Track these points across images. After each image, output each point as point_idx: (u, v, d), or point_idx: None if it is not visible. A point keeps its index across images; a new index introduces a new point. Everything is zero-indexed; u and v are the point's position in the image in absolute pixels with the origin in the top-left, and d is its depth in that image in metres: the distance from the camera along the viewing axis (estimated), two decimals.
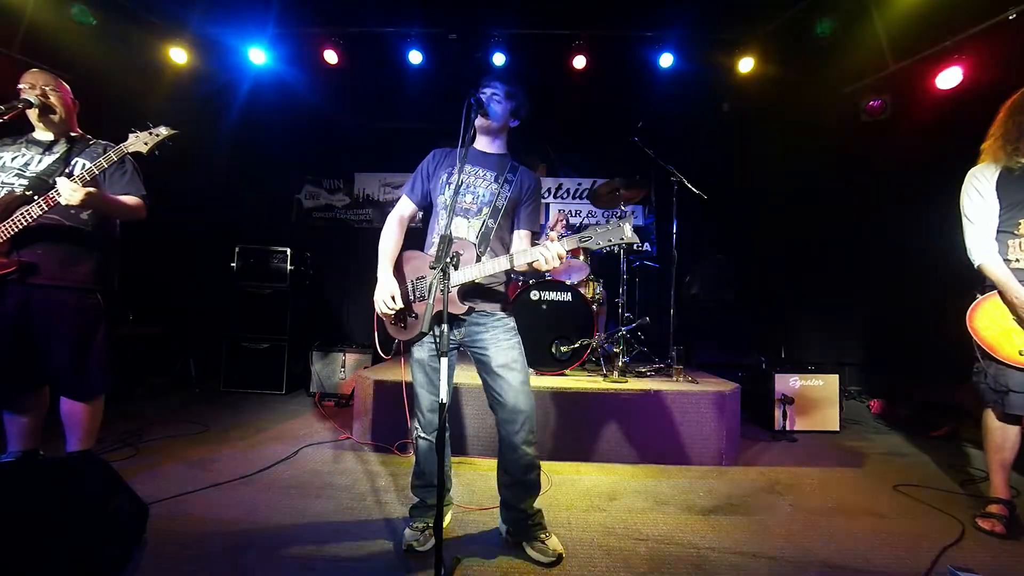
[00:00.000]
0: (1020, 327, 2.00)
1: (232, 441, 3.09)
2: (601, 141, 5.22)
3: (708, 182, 3.71)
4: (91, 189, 1.94)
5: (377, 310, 1.87)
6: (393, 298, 1.81)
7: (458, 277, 1.71)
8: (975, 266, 2.12)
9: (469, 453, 2.91)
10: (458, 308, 1.77)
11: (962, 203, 2.17)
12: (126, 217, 2.18)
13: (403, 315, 1.88)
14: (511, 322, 1.91)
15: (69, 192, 1.89)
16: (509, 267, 1.70)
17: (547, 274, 3.80)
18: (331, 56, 4.53)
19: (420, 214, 2.05)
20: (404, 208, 2.01)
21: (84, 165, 2.06)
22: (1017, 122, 2.09)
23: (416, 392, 1.91)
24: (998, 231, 2.10)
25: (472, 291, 1.83)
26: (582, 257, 3.81)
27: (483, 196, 1.87)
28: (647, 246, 5.21)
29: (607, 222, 1.60)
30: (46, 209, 1.94)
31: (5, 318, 1.97)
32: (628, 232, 1.55)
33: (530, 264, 1.67)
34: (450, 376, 1.96)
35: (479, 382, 2.84)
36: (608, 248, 1.65)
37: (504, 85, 1.91)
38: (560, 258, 1.62)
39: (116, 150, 2.01)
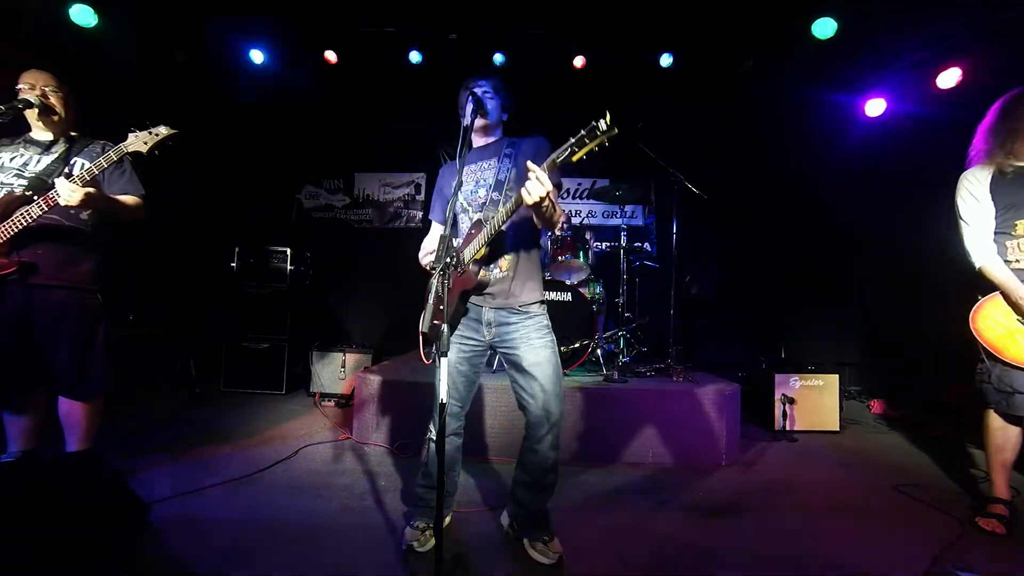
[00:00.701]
0: None
1: (232, 441, 3.08)
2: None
3: (708, 182, 3.71)
4: (90, 189, 1.94)
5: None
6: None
7: (467, 253, 1.72)
8: (976, 268, 2.12)
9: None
10: (470, 282, 1.74)
11: (957, 206, 2.17)
12: (126, 217, 2.18)
13: (441, 316, 1.87)
14: (544, 320, 1.85)
15: (68, 193, 1.88)
16: (504, 219, 1.63)
17: (547, 274, 3.81)
18: (331, 56, 4.53)
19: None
20: (434, 232, 2.03)
21: (83, 165, 2.06)
22: (1008, 125, 2.10)
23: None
24: (995, 233, 2.11)
25: (488, 258, 1.78)
26: (581, 258, 3.82)
27: (492, 183, 1.84)
28: (647, 246, 5.21)
29: (583, 129, 1.41)
30: (46, 209, 1.93)
31: (5, 318, 1.96)
32: (603, 125, 1.36)
33: (521, 204, 1.55)
34: (472, 380, 1.92)
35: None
36: (590, 152, 1.44)
37: (490, 80, 1.92)
38: (540, 183, 1.46)
39: (116, 150, 2.01)
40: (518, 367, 1.79)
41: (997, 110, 2.15)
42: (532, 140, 1.89)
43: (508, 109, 1.98)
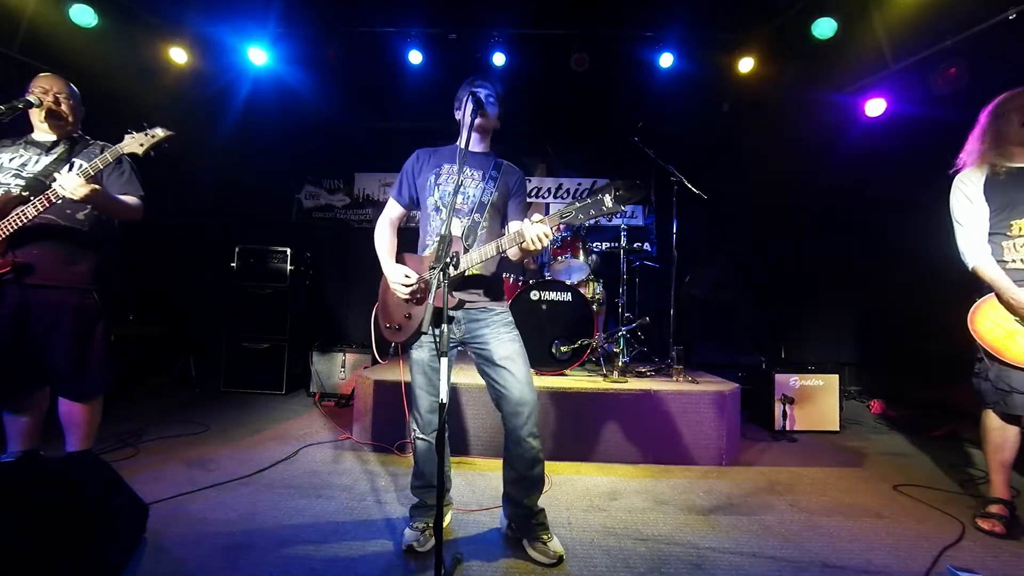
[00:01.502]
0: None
1: (232, 441, 3.09)
2: (601, 141, 5.23)
3: (708, 182, 3.71)
4: (96, 186, 1.94)
5: (396, 292, 1.87)
6: (407, 276, 1.82)
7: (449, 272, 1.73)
8: (969, 269, 2.14)
9: (468, 453, 2.91)
10: (449, 301, 1.76)
11: (951, 208, 2.19)
12: (124, 217, 2.18)
13: (398, 316, 1.89)
14: (509, 316, 1.93)
15: (74, 186, 1.88)
16: (495, 253, 1.72)
17: (547, 274, 3.82)
18: (331, 56, 4.53)
19: (407, 215, 2.08)
20: (392, 211, 2.04)
21: (81, 165, 2.06)
22: (999, 126, 2.12)
23: (415, 393, 1.91)
24: (990, 233, 2.12)
25: (461, 284, 1.85)
26: (582, 257, 3.82)
27: (472, 196, 1.89)
28: (647, 246, 5.21)
29: (588, 197, 1.58)
30: (42, 209, 1.93)
31: (3, 318, 1.96)
32: (608, 203, 1.53)
33: (517, 245, 1.67)
34: (448, 376, 1.96)
35: (478, 382, 2.88)
36: (591, 221, 1.63)
37: (493, 86, 1.94)
38: (547, 236, 1.60)
39: (112, 151, 2.01)
40: (490, 361, 1.84)
41: (989, 112, 2.19)
42: (514, 172, 2.00)
43: (501, 120, 2.02)
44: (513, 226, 1.91)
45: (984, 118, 2.19)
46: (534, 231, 1.59)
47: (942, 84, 3.78)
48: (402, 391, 2.88)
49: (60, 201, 1.93)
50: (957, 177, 2.20)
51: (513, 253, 1.81)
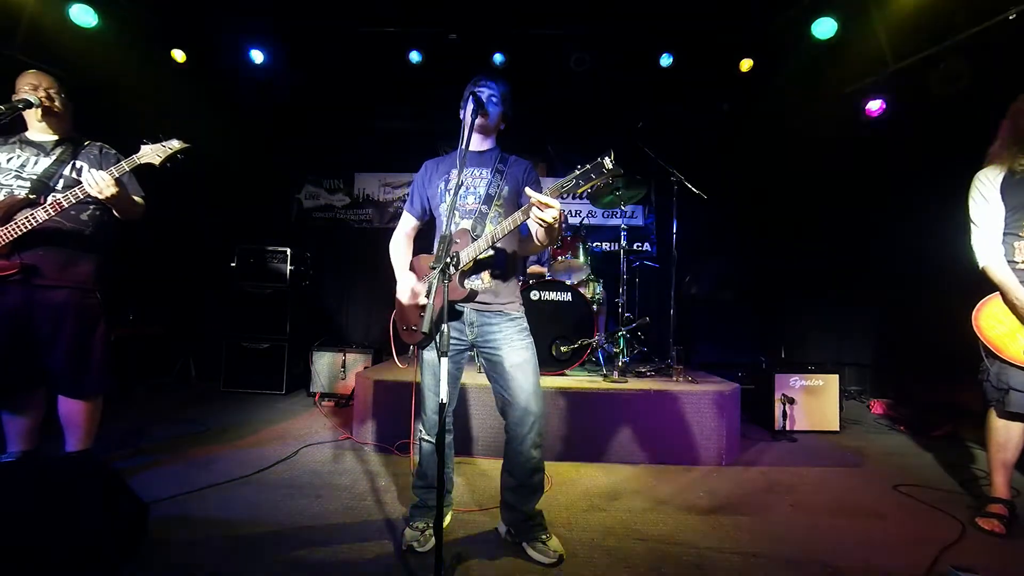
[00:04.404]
0: None
1: (232, 441, 3.08)
2: (601, 141, 5.19)
3: (708, 182, 3.71)
4: (120, 187, 1.99)
5: (397, 310, 1.87)
6: (414, 291, 1.82)
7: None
8: (979, 268, 2.13)
9: (471, 453, 2.91)
10: (459, 293, 1.75)
11: (968, 207, 2.17)
12: (132, 215, 2.19)
13: (413, 318, 1.89)
14: (524, 323, 1.91)
15: (104, 185, 1.91)
16: (499, 236, 1.69)
17: (548, 274, 3.82)
18: (330, 55, 4.53)
19: (422, 227, 2.08)
20: (406, 224, 2.05)
21: (85, 168, 2.07)
22: (1019, 125, 2.10)
23: (423, 394, 1.91)
24: (1004, 233, 2.11)
25: (472, 272, 1.82)
26: (581, 258, 3.82)
27: (483, 195, 1.88)
28: (647, 246, 5.22)
29: (587, 164, 1.53)
30: (53, 214, 1.95)
31: (5, 318, 1.97)
32: (608, 164, 1.48)
33: (522, 221, 1.64)
34: (456, 378, 1.96)
35: (480, 381, 2.89)
36: (595, 187, 1.58)
37: (497, 86, 1.92)
38: (550, 205, 1.52)
39: (129, 160, 2.03)
40: (500, 367, 1.82)
41: (1010, 112, 2.15)
42: (521, 163, 1.97)
43: (507, 120, 2.00)
44: None
45: (1009, 115, 2.15)
46: (535, 197, 1.54)
47: (942, 84, 3.78)
48: (408, 392, 2.89)
49: (76, 201, 1.94)
50: (976, 176, 2.17)
51: (520, 246, 1.77)
